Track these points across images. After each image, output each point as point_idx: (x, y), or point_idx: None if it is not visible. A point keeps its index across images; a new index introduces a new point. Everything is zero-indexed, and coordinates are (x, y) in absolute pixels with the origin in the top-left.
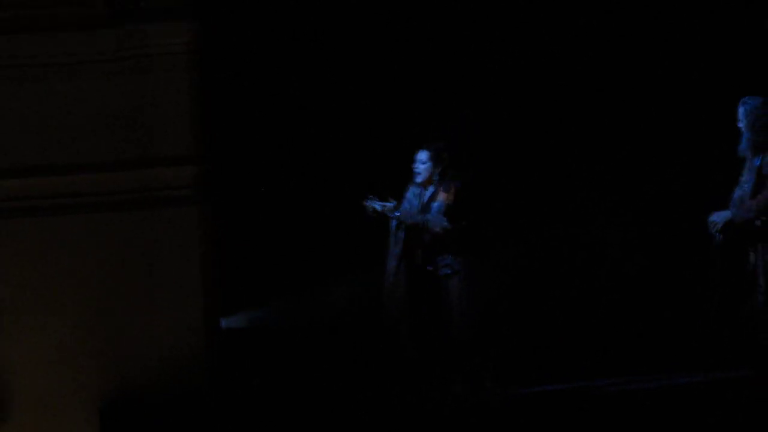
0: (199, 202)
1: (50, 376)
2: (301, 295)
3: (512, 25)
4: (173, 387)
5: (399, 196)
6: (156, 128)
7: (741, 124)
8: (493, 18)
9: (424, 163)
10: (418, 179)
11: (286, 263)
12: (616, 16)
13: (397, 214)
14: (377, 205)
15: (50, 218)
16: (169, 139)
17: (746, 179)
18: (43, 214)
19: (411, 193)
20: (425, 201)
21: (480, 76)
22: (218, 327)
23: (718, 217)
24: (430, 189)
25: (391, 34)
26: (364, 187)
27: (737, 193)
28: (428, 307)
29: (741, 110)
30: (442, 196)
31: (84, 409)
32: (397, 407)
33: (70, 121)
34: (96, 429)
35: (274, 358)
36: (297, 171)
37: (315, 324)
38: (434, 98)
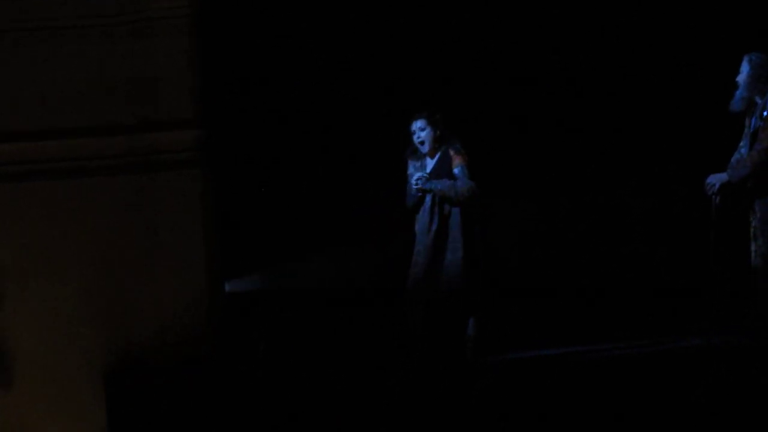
0: (201, 165)
1: (54, 342)
2: (306, 258)
3: None
4: (178, 352)
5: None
6: (157, 92)
7: (740, 77)
8: None
9: (423, 129)
10: (425, 149)
11: (291, 226)
12: None
13: (429, 186)
14: (420, 182)
15: (51, 183)
16: (170, 103)
17: (743, 144)
18: (44, 178)
19: (413, 167)
20: (430, 171)
21: (489, 48)
22: (222, 291)
23: (715, 179)
24: (436, 156)
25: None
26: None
27: (735, 157)
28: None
29: (745, 62)
30: (458, 159)
31: (88, 375)
32: (396, 373)
33: (71, 84)
34: (101, 395)
35: (279, 323)
36: (301, 133)
37: (320, 287)
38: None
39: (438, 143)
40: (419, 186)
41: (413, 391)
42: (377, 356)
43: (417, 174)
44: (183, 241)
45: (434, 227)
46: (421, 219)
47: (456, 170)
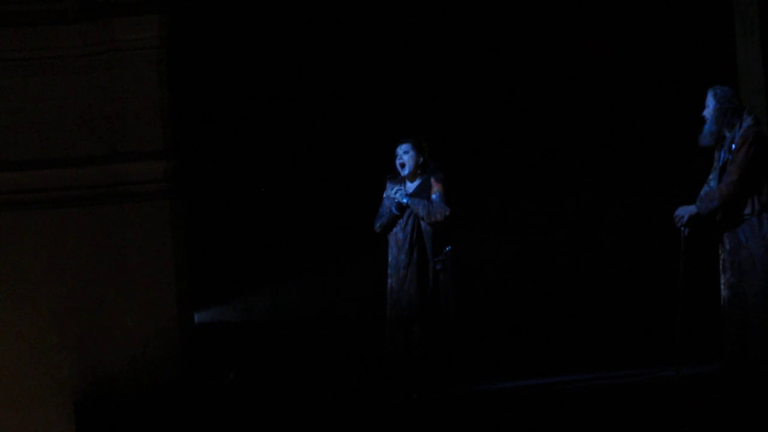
0: (171, 197)
1: (24, 370)
2: (274, 288)
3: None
4: (148, 381)
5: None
6: (126, 123)
7: (707, 112)
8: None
9: (407, 152)
10: (405, 171)
11: (259, 257)
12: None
13: (406, 201)
14: (399, 194)
15: (21, 213)
16: (140, 134)
17: (712, 177)
18: (14, 209)
19: (390, 189)
20: (410, 194)
21: (470, 68)
22: (192, 321)
23: (683, 212)
24: (416, 182)
25: (360, 25)
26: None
27: (704, 190)
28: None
29: (710, 96)
30: (437, 187)
31: (59, 403)
32: (370, 401)
33: (41, 116)
34: (71, 423)
35: (248, 352)
36: (269, 164)
37: (289, 317)
38: (413, 86)
39: (420, 169)
40: (397, 198)
41: (387, 416)
42: (351, 382)
43: (396, 187)
44: (153, 270)
45: (406, 247)
46: (394, 243)
47: (434, 196)
